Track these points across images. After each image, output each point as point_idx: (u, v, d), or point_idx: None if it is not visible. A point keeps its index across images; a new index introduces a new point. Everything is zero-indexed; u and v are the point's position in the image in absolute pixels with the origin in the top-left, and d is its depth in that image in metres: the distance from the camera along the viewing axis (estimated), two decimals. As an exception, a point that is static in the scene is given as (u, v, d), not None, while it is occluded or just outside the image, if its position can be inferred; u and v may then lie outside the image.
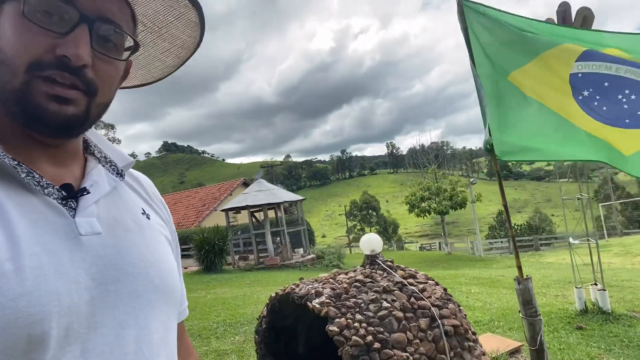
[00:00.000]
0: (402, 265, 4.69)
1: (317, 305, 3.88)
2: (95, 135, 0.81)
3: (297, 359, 5.20)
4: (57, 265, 0.59)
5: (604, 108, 2.70)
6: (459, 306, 4.44)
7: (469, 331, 4.12)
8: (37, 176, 0.64)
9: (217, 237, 16.19)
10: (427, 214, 25.22)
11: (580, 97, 2.82)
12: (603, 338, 6.40)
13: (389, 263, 4.61)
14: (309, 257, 17.83)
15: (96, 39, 0.65)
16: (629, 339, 6.24)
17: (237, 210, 19.00)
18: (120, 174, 0.78)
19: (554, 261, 18.99)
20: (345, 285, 4.11)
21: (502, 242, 32.65)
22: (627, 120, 2.62)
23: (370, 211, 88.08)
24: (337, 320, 3.76)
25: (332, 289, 4.03)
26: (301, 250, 19.11)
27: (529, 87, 3.07)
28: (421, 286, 4.36)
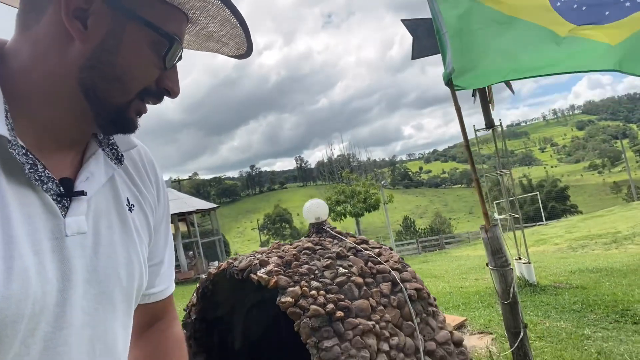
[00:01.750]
0: (350, 232, 4.21)
1: (264, 276, 3.21)
2: None
3: (234, 356, 4.44)
4: (39, 267, 0.61)
5: (583, 8, 2.50)
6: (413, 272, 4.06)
7: (430, 296, 3.72)
8: (41, 168, 0.64)
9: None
10: (343, 218, 25.28)
11: (559, 4, 2.60)
12: (537, 307, 6.47)
13: (337, 230, 4.09)
14: (226, 266, 16.85)
15: None
16: (561, 306, 6.36)
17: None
18: (119, 159, 0.79)
19: (462, 255, 20.02)
20: (294, 253, 3.49)
21: (409, 243, 34.13)
22: (606, 13, 2.44)
23: (283, 224, 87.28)
24: (290, 289, 3.12)
25: (279, 257, 3.39)
26: (216, 263, 18.01)
27: (507, 6, 2.87)
28: (376, 250, 3.89)
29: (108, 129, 0.71)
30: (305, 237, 4.05)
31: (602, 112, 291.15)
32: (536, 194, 39.62)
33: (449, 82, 3.43)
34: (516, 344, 3.22)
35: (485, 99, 7.76)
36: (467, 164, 3.10)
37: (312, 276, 3.24)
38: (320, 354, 2.86)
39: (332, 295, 3.11)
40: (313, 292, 3.08)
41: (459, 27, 3.15)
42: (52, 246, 0.63)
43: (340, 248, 3.69)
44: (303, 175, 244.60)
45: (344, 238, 3.90)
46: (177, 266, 16.87)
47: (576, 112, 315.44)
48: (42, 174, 0.64)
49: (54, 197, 0.65)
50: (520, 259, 8.02)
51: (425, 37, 6.82)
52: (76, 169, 0.72)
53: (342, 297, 3.15)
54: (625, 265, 8.97)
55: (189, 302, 3.89)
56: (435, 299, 3.81)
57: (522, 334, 3.21)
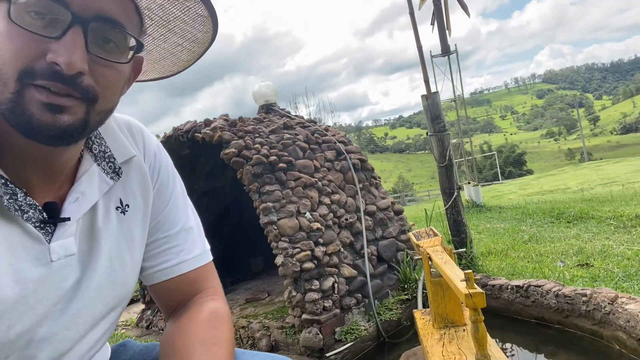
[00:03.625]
0: (301, 115, 4.27)
1: (208, 132, 3.24)
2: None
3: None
4: (20, 296, 0.60)
5: None
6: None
7: (374, 170, 3.87)
8: (21, 197, 0.62)
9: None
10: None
11: None
12: (481, 220, 6.84)
13: (287, 110, 4.14)
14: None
15: (93, 40, 0.58)
16: (502, 218, 6.74)
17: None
18: (117, 172, 0.74)
19: (420, 207, 20.61)
20: (240, 117, 3.53)
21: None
22: None
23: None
24: (233, 142, 3.18)
25: (225, 120, 3.42)
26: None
27: None
28: (324, 126, 3.97)
29: (25, 134, 0.58)
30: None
31: (561, 82, 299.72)
32: (494, 154, 40.83)
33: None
34: (450, 203, 3.41)
35: (442, 25, 7.88)
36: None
37: (257, 135, 3.30)
38: (262, 197, 2.95)
39: (275, 151, 3.18)
40: (257, 145, 3.15)
41: None
42: (38, 273, 0.62)
43: (287, 119, 3.75)
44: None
45: (293, 117, 3.96)
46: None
47: (537, 80, 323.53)
48: (22, 203, 0.62)
49: (36, 225, 0.63)
50: (469, 183, 8.39)
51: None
52: (66, 189, 0.69)
53: (286, 154, 3.24)
54: (570, 199, 9.54)
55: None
56: (379, 177, 3.96)
57: (455, 193, 3.40)
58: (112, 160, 0.74)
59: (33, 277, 0.62)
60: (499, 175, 35.46)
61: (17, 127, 0.57)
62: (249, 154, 3.05)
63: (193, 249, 0.85)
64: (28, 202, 0.63)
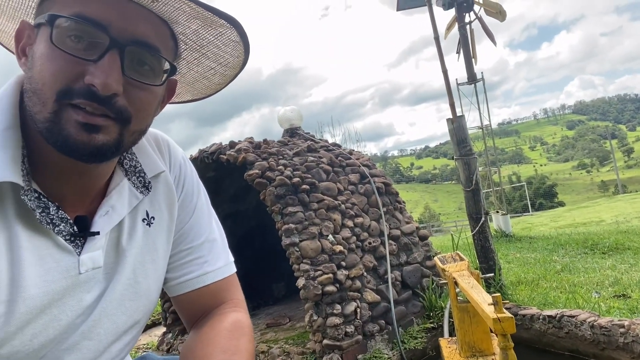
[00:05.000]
0: (325, 138, 4.28)
1: (233, 153, 3.28)
2: None
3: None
4: (46, 307, 0.63)
5: None
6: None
7: (399, 195, 3.82)
8: (53, 211, 0.65)
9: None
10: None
11: None
12: (511, 249, 6.62)
13: (311, 134, 4.16)
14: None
15: (129, 64, 0.61)
16: (533, 248, 6.51)
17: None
18: (146, 186, 0.76)
19: (448, 237, 20.17)
20: (264, 139, 3.56)
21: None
22: None
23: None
24: (257, 163, 3.20)
25: (250, 142, 3.46)
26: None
27: None
28: (348, 150, 3.97)
29: (62, 152, 0.61)
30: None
31: (592, 112, 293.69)
32: (523, 185, 39.97)
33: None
34: (477, 228, 3.32)
35: (468, 53, 7.88)
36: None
37: (281, 157, 3.31)
38: (284, 219, 2.94)
39: (299, 172, 3.18)
40: (280, 167, 3.16)
41: None
42: (66, 285, 0.65)
43: (311, 142, 3.77)
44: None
45: (317, 141, 3.97)
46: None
47: (567, 111, 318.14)
48: (54, 216, 0.64)
49: (67, 238, 0.66)
50: (498, 212, 8.18)
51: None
52: (97, 202, 0.71)
53: (310, 176, 3.23)
54: (604, 230, 9.18)
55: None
56: (403, 201, 3.91)
57: (483, 218, 3.31)
58: (143, 175, 0.76)
59: (60, 288, 0.64)
60: (529, 207, 34.51)
61: (55, 145, 0.60)
62: (273, 176, 3.06)
63: (217, 260, 0.86)
64: (60, 216, 0.65)
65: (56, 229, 0.64)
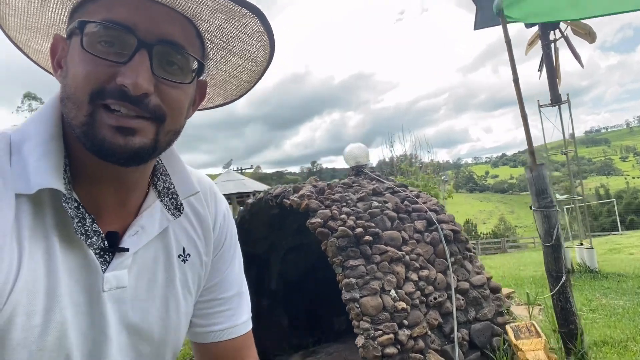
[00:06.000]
0: (391, 177, 4.16)
1: (296, 199, 3.26)
2: (170, 156, 0.78)
3: (270, 295, 4.54)
4: (75, 321, 0.63)
5: None
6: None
7: (469, 242, 3.59)
8: (89, 222, 0.65)
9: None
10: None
11: None
12: (595, 289, 6.03)
13: (377, 173, 4.05)
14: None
15: (158, 64, 0.62)
16: (622, 290, 5.88)
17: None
18: (178, 208, 0.76)
19: (524, 255, 18.94)
20: (328, 184, 3.51)
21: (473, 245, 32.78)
22: None
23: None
24: (320, 211, 3.15)
25: (314, 186, 3.42)
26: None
27: None
28: (415, 193, 3.81)
29: (100, 156, 0.62)
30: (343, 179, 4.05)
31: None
32: (612, 201, 36.74)
33: (499, 12, 3.30)
34: (557, 288, 3.03)
35: (552, 73, 7.34)
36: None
37: (344, 204, 3.24)
38: (345, 272, 2.86)
39: (362, 222, 3.09)
40: (343, 216, 3.08)
41: None
42: (88, 300, 0.65)
43: (377, 185, 3.66)
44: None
45: (383, 181, 3.86)
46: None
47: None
48: (89, 228, 0.65)
49: (97, 252, 0.66)
50: (582, 244, 7.50)
51: (490, 7, 6.55)
52: (129, 222, 0.72)
53: (373, 225, 3.13)
54: None
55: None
56: (474, 248, 3.68)
57: (564, 277, 3.02)
58: (175, 196, 0.76)
59: (87, 302, 0.64)
60: (618, 225, 31.61)
61: (92, 150, 0.61)
62: (335, 225, 2.99)
63: (243, 314, 0.88)
64: (94, 229, 0.66)
65: (89, 240, 0.65)
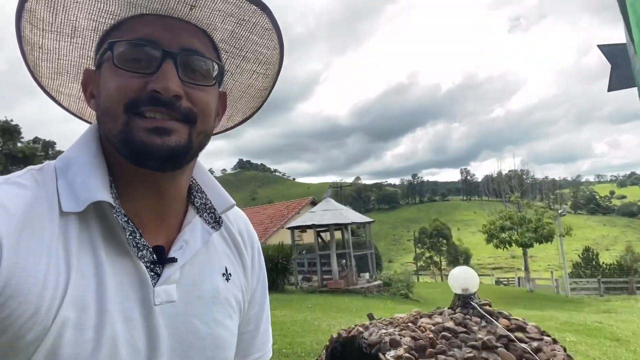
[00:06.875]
0: (504, 312, 3.61)
1: (392, 360, 2.91)
2: (201, 173, 0.83)
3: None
4: (128, 336, 0.63)
5: None
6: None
7: None
8: (138, 236, 0.67)
9: (280, 255, 15.90)
10: (507, 246, 22.99)
11: None
12: None
13: (487, 307, 3.54)
14: (375, 283, 16.74)
15: (183, 70, 0.66)
16: None
17: (303, 229, 18.48)
18: (217, 221, 0.79)
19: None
20: (431, 335, 3.09)
21: (588, 281, 29.53)
22: None
23: (440, 239, 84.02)
24: (419, 384, 2.76)
25: (413, 338, 3.02)
26: (367, 275, 18.04)
27: None
28: (535, 344, 3.22)
29: (138, 161, 0.65)
30: (448, 308, 3.61)
31: None
32: None
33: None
34: None
35: None
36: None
37: (448, 368, 2.81)
38: None
39: (469, 400, 2.64)
40: (446, 391, 2.66)
41: None
42: (140, 314, 0.65)
43: (489, 336, 3.17)
44: (467, 189, 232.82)
45: (494, 320, 3.35)
46: (329, 272, 17.62)
47: None
48: (139, 242, 0.67)
49: (147, 265, 0.67)
50: None
51: (628, 66, 5.61)
52: (172, 238, 0.74)
53: (482, 403, 2.66)
54: None
55: (318, 358, 3.80)
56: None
57: None
58: (213, 210, 0.79)
59: (138, 316, 0.65)
60: None
61: (130, 155, 0.64)
62: (436, 407, 2.58)
63: (268, 341, 0.93)
64: (143, 242, 0.67)
65: (139, 253, 0.66)
